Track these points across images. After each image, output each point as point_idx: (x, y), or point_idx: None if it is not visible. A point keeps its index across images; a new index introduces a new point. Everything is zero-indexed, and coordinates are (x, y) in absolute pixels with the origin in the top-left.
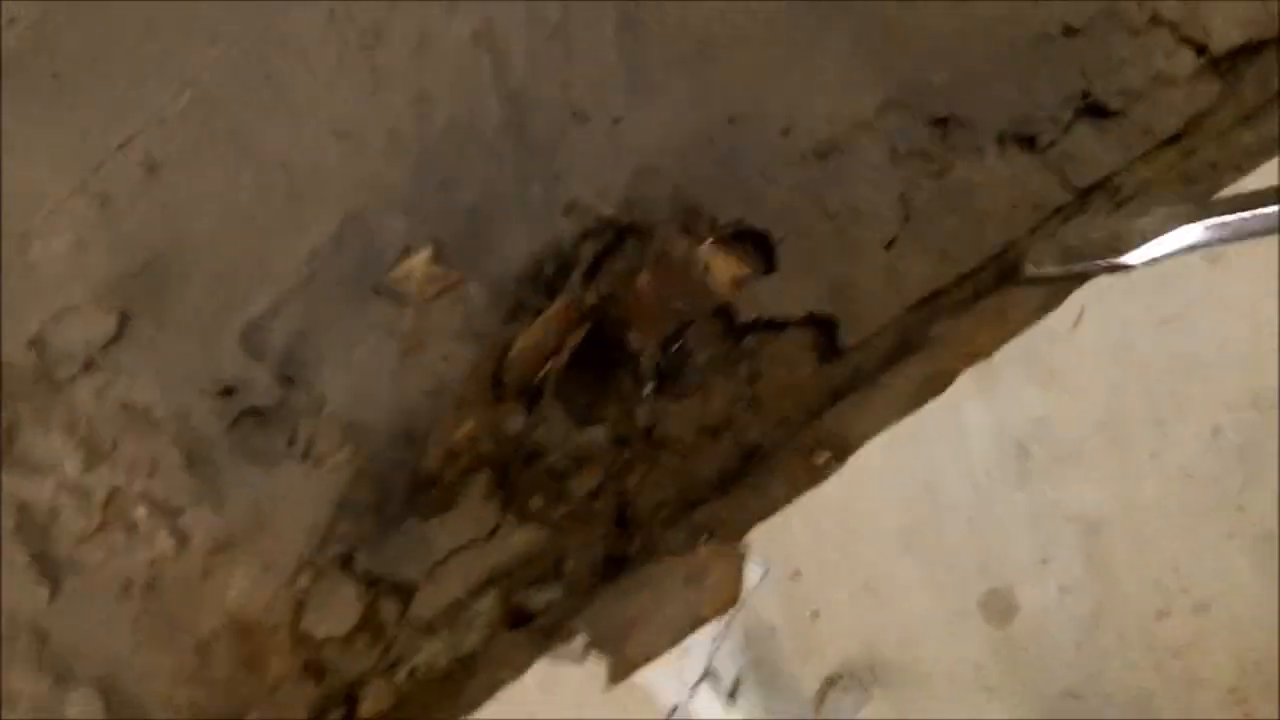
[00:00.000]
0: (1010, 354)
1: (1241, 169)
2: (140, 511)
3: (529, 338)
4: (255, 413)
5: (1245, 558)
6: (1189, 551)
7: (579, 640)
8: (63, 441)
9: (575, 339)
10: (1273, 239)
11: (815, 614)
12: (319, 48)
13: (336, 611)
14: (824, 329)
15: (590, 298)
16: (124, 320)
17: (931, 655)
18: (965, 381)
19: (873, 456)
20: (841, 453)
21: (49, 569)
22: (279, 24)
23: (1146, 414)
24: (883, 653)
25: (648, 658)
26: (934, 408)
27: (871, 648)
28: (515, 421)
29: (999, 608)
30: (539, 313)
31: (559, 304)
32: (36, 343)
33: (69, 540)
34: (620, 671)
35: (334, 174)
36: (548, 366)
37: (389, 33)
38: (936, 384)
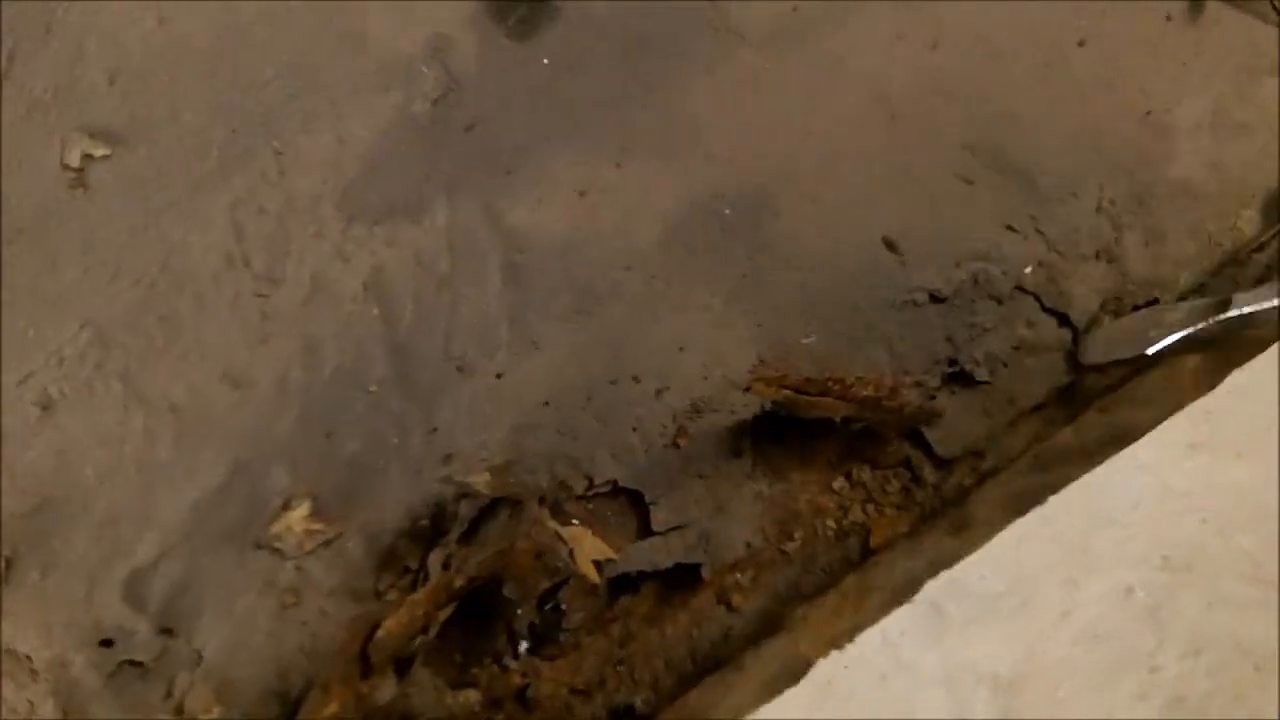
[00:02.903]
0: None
1: (1093, 459)
2: None
3: (398, 619)
4: (134, 664)
5: (1159, 718)
6: (1102, 712)
7: None
8: None
9: (445, 614)
10: None
11: None
12: (215, 290)
13: None
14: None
15: (458, 580)
16: (9, 563)
17: None
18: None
19: None
20: None
21: None
22: (178, 262)
23: (1058, 573)
24: None
25: None
26: None
27: None
28: (385, 691)
29: None
30: (411, 570)
31: (428, 588)
32: None
33: None
34: None
35: (222, 421)
36: (416, 643)
37: (283, 279)
38: (795, 670)
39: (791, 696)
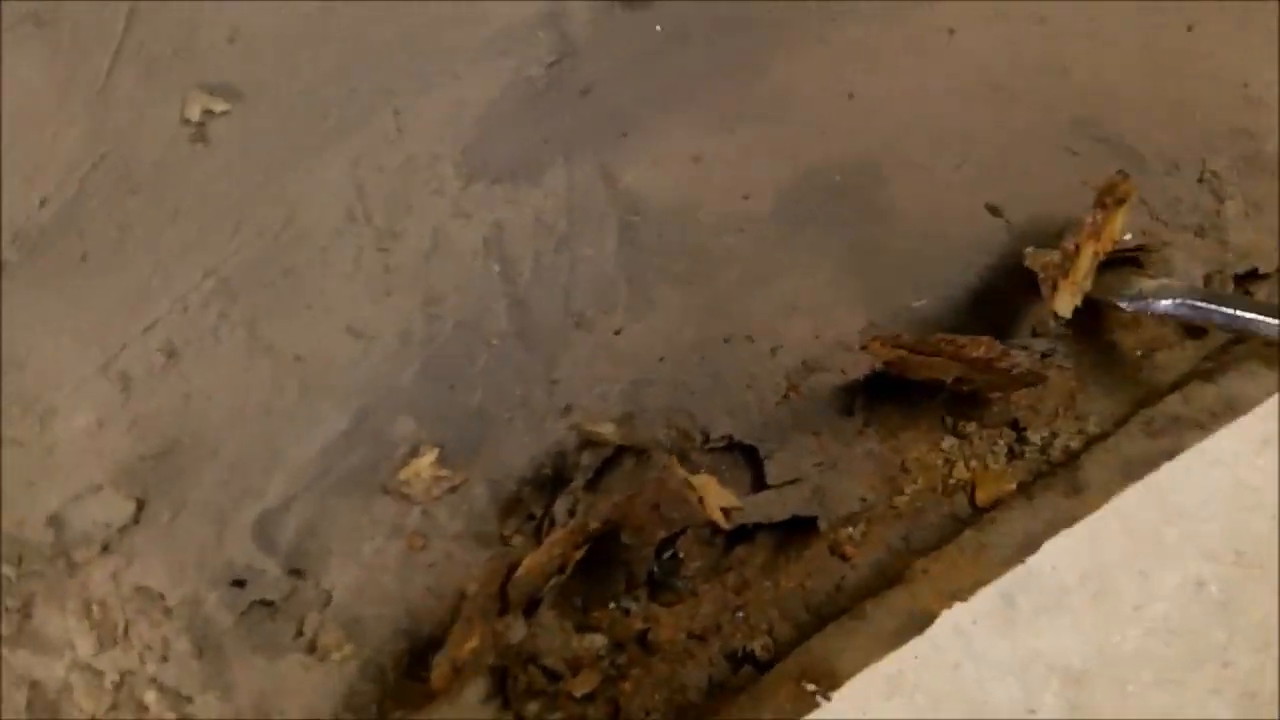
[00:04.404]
0: None
1: (1204, 429)
2: (151, 696)
3: (536, 559)
4: (265, 604)
5: (1231, 714)
6: (1174, 706)
7: None
8: (77, 622)
9: (579, 555)
10: None
11: None
12: (337, 245)
13: None
14: (803, 524)
15: (593, 522)
16: (141, 505)
17: None
18: None
19: None
20: (830, 685)
21: None
22: (300, 217)
23: (1130, 565)
24: None
25: None
26: None
27: None
28: (517, 631)
29: None
30: (535, 518)
31: (566, 529)
32: (55, 521)
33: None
34: None
35: (347, 371)
36: (551, 583)
37: (404, 234)
38: (920, 621)
39: (863, 685)
